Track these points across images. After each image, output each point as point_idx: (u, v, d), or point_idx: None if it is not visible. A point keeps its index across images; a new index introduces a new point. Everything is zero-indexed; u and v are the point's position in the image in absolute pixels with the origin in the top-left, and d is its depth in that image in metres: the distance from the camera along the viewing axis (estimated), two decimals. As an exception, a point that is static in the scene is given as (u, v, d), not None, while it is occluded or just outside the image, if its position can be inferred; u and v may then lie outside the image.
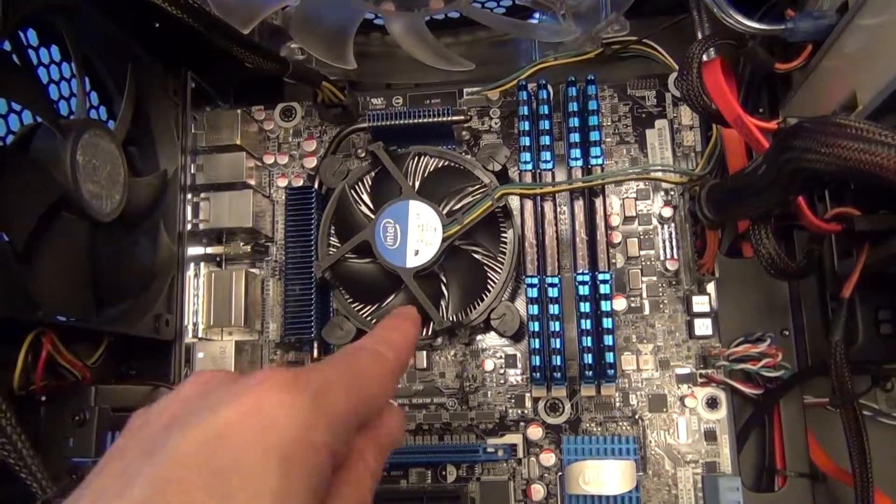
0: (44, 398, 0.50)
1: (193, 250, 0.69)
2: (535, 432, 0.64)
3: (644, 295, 0.66)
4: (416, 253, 0.61)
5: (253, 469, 0.24)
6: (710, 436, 0.63)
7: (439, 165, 0.66)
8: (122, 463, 0.26)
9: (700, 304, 0.64)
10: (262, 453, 0.24)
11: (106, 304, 0.55)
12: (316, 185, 0.68)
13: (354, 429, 0.29)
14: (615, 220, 0.67)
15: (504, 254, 0.64)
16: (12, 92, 0.47)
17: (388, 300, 0.64)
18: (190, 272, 0.69)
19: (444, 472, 0.65)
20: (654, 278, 0.66)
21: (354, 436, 0.30)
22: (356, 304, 0.65)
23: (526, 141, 0.63)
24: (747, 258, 0.64)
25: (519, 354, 0.66)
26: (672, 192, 0.67)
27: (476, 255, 0.64)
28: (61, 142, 0.49)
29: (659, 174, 0.65)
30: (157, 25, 0.66)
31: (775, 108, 0.65)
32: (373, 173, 0.67)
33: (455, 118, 0.66)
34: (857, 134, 0.36)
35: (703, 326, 0.64)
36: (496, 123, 0.71)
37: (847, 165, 0.37)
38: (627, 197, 0.67)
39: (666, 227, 0.67)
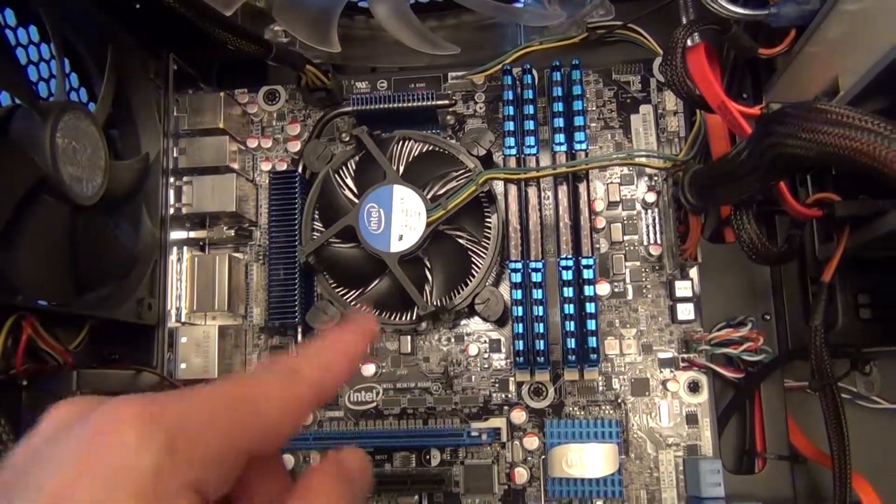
0: (25, 382, 0.49)
1: (176, 234, 0.69)
2: (519, 416, 0.64)
3: (627, 280, 0.66)
4: (401, 238, 0.61)
5: None
6: (692, 419, 0.63)
7: (424, 150, 0.66)
8: None
9: (683, 288, 0.64)
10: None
11: (87, 288, 0.54)
12: (300, 170, 0.68)
13: (242, 464, 0.26)
14: (599, 206, 0.67)
15: (488, 239, 0.64)
16: (-12, 73, 0.47)
17: (371, 285, 0.64)
18: (173, 256, 0.68)
19: (428, 456, 0.65)
20: (638, 263, 0.66)
21: (253, 475, 0.28)
22: (340, 288, 0.65)
23: (510, 126, 0.63)
24: (729, 243, 0.65)
25: (503, 339, 0.67)
26: (656, 178, 0.67)
27: (460, 240, 0.64)
28: (40, 124, 0.48)
29: (643, 159, 0.65)
30: (138, 6, 0.65)
31: (759, 93, 0.66)
32: (357, 157, 0.67)
33: (440, 102, 0.65)
34: (838, 119, 0.36)
35: (686, 311, 0.64)
36: (481, 108, 0.71)
37: (828, 151, 0.37)
38: (611, 182, 0.68)
39: (649, 212, 0.67)
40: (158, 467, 0.23)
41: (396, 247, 0.61)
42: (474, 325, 0.67)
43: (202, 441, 0.24)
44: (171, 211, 0.67)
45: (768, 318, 0.65)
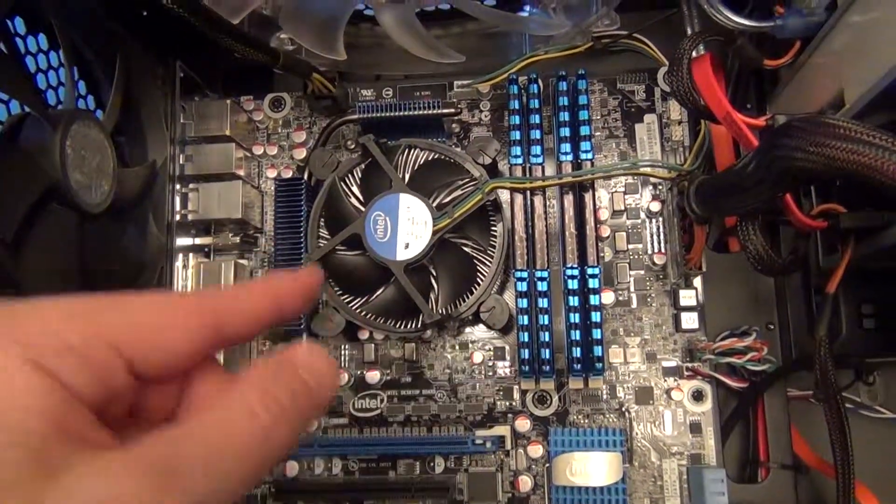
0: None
1: (182, 241, 0.69)
2: (523, 424, 0.65)
3: (632, 288, 0.66)
4: (407, 246, 0.61)
5: None
6: (696, 428, 0.64)
7: (429, 158, 0.66)
8: None
9: (687, 297, 0.65)
10: None
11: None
12: (305, 177, 0.68)
13: (113, 363, 0.25)
14: (604, 214, 0.67)
15: (494, 247, 0.64)
16: (0, 82, 0.47)
17: (377, 293, 0.64)
18: (178, 263, 0.68)
19: (432, 464, 0.65)
20: (642, 272, 0.67)
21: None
22: (346, 296, 0.65)
23: (516, 135, 0.63)
24: (733, 253, 0.65)
25: (507, 347, 0.67)
26: (660, 187, 0.67)
27: (466, 249, 0.64)
28: (50, 132, 0.49)
29: (648, 169, 0.65)
30: (145, 14, 0.65)
31: (763, 104, 0.66)
32: (362, 165, 0.67)
33: (445, 111, 0.66)
34: (846, 134, 0.36)
35: (690, 320, 0.64)
36: (486, 116, 0.71)
37: (835, 165, 0.37)
38: (616, 191, 0.68)
39: (654, 221, 0.67)
40: None
41: (403, 255, 0.61)
42: (479, 333, 0.68)
43: (50, 325, 0.24)
44: (178, 217, 0.67)
45: (772, 327, 0.66)
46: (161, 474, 0.23)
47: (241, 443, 0.25)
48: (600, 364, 0.59)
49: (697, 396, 0.64)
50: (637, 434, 0.64)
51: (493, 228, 0.65)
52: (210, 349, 0.29)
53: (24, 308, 0.24)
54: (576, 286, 0.60)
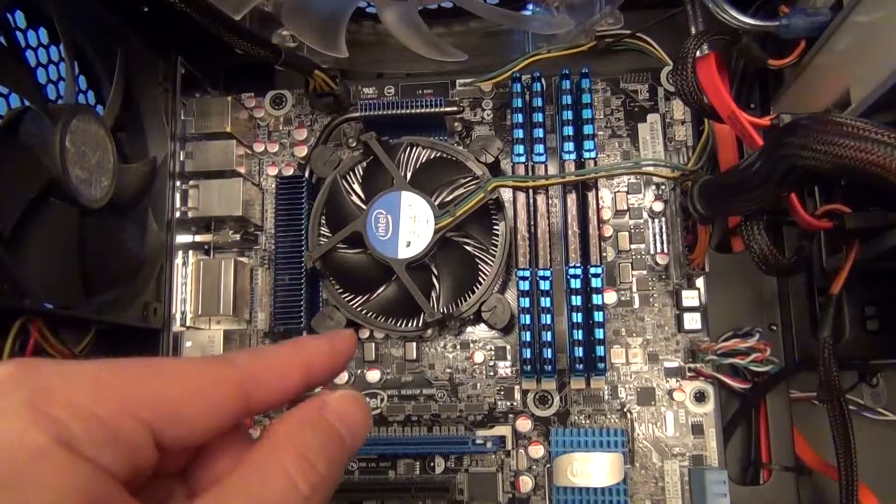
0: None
1: (182, 238, 0.68)
2: (524, 424, 0.64)
3: (634, 289, 0.66)
4: (408, 244, 0.61)
5: None
6: (698, 429, 0.63)
7: (431, 156, 0.66)
8: None
9: (689, 298, 0.64)
10: None
11: (94, 291, 0.54)
12: (306, 175, 0.68)
13: (146, 443, 0.24)
14: (606, 214, 0.67)
15: (495, 246, 0.64)
16: (0, 75, 0.46)
17: (378, 291, 0.64)
18: (178, 260, 0.68)
19: (432, 464, 0.65)
20: (644, 272, 0.66)
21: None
22: (346, 294, 0.64)
23: (519, 133, 0.63)
24: (736, 253, 0.65)
25: (508, 347, 0.66)
26: (663, 187, 0.67)
27: (467, 248, 0.64)
28: (50, 127, 0.48)
29: (651, 168, 0.65)
30: (146, 9, 0.65)
31: (766, 103, 0.66)
32: (364, 163, 0.66)
33: (448, 109, 0.65)
34: (854, 132, 0.36)
35: (693, 320, 0.64)
36: (488, 115, 0.71)
37: (843, 163, 0.37)
38: (619, 191, 0.67)
39: (657, 221, 0.67)
40: (18, 423, 0.21)
41: (404, 253, 0.61)
42: (480, 332, 0.67)
43: (78, 396, 0.23)
44: (177, 214, 0.67)
45: (775, 328, 0.65)
46: None
47: None
48: (603, 364, 0.59)
49: (699, 397, 0.63)
50: (639, 435, 0.64)
51: (495, 227, 0.64)
52: (237, 420, 0.28)
53: (52, 375, 0.23)
54: (578, 285, 0.60)
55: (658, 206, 0.66)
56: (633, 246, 0.67)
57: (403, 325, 0.64)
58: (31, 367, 0.23)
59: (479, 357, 0.66)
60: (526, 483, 0.63)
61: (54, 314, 0.51)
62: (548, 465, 0.63)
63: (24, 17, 0.54)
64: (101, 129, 0.54)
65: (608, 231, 0.66)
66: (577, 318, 0.59)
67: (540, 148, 0.63)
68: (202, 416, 0.26)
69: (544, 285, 0.60)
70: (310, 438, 0.26)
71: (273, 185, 0.71)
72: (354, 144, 0.70)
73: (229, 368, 0.27)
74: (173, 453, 0.27)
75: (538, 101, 0.64)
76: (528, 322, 0.60)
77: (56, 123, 0.49)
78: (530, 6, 0.71)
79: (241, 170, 0.69)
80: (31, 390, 0.22)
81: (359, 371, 0.68)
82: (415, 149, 0.66)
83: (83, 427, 0.23)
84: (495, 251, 0.64)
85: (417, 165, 0.66)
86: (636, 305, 0.66)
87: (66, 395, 0.23)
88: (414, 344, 0.67)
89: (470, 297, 0.63)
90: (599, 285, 0.59)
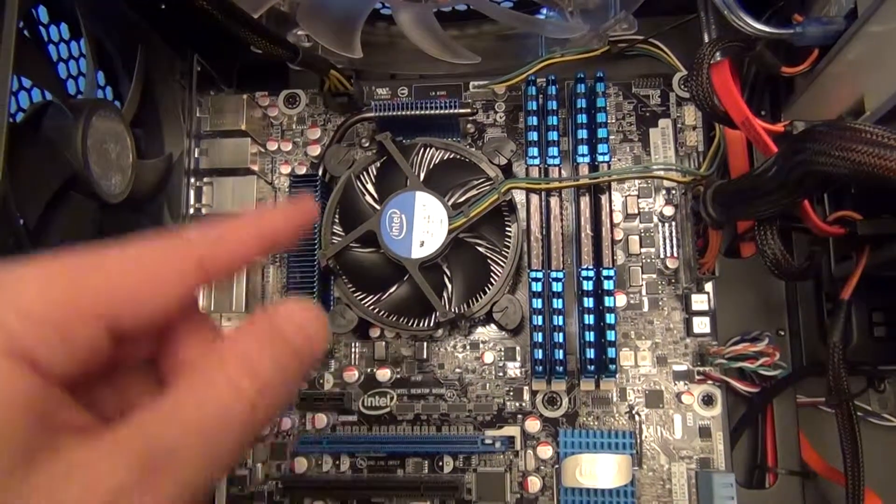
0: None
1: (195, 235, 0.69)
2: (533, 425, 0.65)
3: (643, 292, 0.67)
4: (422, 244, 0.61)
5: None
6: (705, 432, 0.64)
7: (445, 157, 0.66)
8: None
9: (699, 302, 0.65)
10: None
11: (111, 286, 0.54)
12: (320, 173, 0.68)
13: (95, 331, 0.23)
14: (617, 218, 0.67)
15: (508, 247, 0.64)
16: (25, 69, 0.47)
17: (390, 290, 0.64)
18: (191, 257, 0.68)
19: (440, 463, 0.65)
20: (654, 276, 0.67)
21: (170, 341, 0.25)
22: (358, 293, 0.65)
23: (533, 136, 0.64)
24: (745, 258, 0.65)
25: (518, 348, 0.67)
26: (674, 191, 0.68)
27: (480, 248, 0.65)
28: (72, 121, 0.49)
29: (665, 172, 0.65)
30: (163, 7, 0.65)
31: (777, 110, 0.66)
32: (378, 163, 0.67)
33: (462, 111, 0.66)
34: (873, 139, 0.37)
35: (702, 324, 0.65)
36: (501, 117, 0.71)
37: (860, 170, 0.37)
38: (630, 195, 0.68)
39: (667, 225, 0.67)
40: None
41: (418, 253, 0.61)
42: (490, 333, 0.68)
43: (27, 303, 0.22)
44: (191, 211, 0.67)
45: (783, 333, 0.66)
46: (148, 459, 0.22)
47: (227, 421, 0.24)
48: (613, 366, 0.59)
49: (707, 401, 0.64)
50: (647, 437, 0.64)
51: (508, 229, 0.65)
52: (195, 288, 0.27)
53: (3, 279, 0.23)
54: (591, 287, 0.60)
55: (669, 211, 0.67)
56: (643, 249, 0.67)
57: (415, 325, 0.64)
58: None
59: (488, 357, 0.67)
60: (534, 483, 0.64)
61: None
62: (556, 466, 0.64)
63: (47, 12, 0.54)
64: (121, 125, 0.54)
65: (619, 234, 0.67)
66: (589, 319, 0.60)
67: (554, 151, 0.63)
68: (160, 298, 0.25)
69: (557, 287, 0.61)
70: (253, 342, 0.25)
71: (286, 184, 0.71)
72: (367, 144, 0.71)
73: (184, 244, 0.26)
74: (134, 340, 0.26)
75: (553, 104, 0.65)
76: (539, 323, 0.60)
77: (78, 118, 0.49)
78: (544, 10, 0.71)
79: (255, 168, 0.69)
80: None
81: (368, 370, 0.68)
82: (429, 150, 0.66)
83: (32, 331, 0.22)
84: (507, 252, 0.64)
85: (431, 166, 0.66)
86: (645, 309, 0.66)
87: (17, 300, 0.22)
88: (424, 343, 0.68)
89: (481, 297, 0.64)
90: (611, 287, 0.60)
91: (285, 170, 0.72)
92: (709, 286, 0.66)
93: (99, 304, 0.23)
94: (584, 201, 0.62)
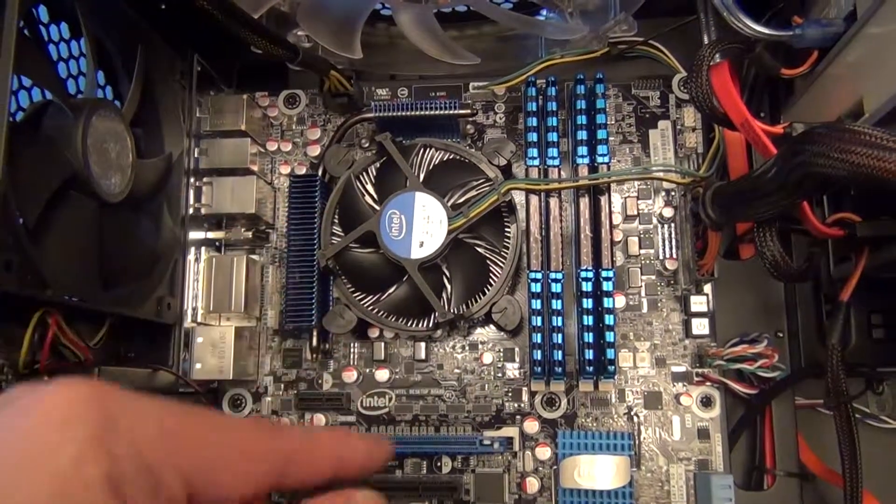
0: (46, 378, 0.49)
1: (194, 234, 0.69)
2: (532, 426, 0.65)
3: (642, 293, 0.67)
4: (421, 245, 0.62)
5: (19, 496, 0.21)
6: (704, 434, 0.64)
7: (445, 158, 0.66)
8: None
9: (698, 303, 0.65)
10: (30, 483, 0.21)
11: (111, 285, 0.54)
12: (319, 174, 0.68)
13: (177, 490, 0.24)
14: (616, 219, 0.67)
15: (507, 248, 0.64)
16: (25, 68, 0.47)
17: (390, 290, 0.64)
18: (190, 256, 0.68)
19: (439, 464, 0.65)
20: (653, 277, 0.67)
21: None
22: (358, 293, 0.65)
23: (533, 137, 0.64)
24: (744, 260, 0.65)
25: (517, 349, 0.67)
26: (673, 193, 0.68)
27: (479, 249, 0.65)
28: (72, 120, 0.49)
29: (664, 174, 0.66)
30: (163, 7, 0.65)
31: (776, 112, 0.66)
32: (377, 164, 0.67)
33: (462, 112, 0.66)
34: (872, 141, 0.37)
35: (701, 326, 0.65)
36: (500, 118, 0.71)
37: (860, 172, 0.37)
38: (629, 196, 0.68)
39: (666, 226, 0.67)
40: (82, 453, 0.22)
41: (417, 253, 0.61)
42: (488, 333, 0.68)
43: (141, 439, 0.23)
44: (190, 211, 0.67)
45: (781, 335, 0.66)
46: None
47: None
48: (613, 367, 0.59)
49: (706, 402, 0.64)
50: (645, 438, 0.64)
51: (507, 229, 0.65)
52: (268, 492, 0.28)
53: (123, 410, 0.24)
54: (590, 288, 0.60)
55: (668, 212, 0.67)
56: (642, 251, 0.67)
57: (414, 325, 0.64)
58: (105, 395, 0.24)
59: (487, 358, 0.67)
60: (532, 484, 0.64)
61: (70, 306, 0.51)
62: (554, 467, 0.64)
63: (47, 12, 0.54)
64: (121, 124, 0.54)
65: (618, 236, 0.67)
66: (588, 321, 0.60)
67: (553, 152, 0.63)
68: (239, 482, 0.27)
69: (556, 288, 0.61)
70: None
71: (285, 184, 0.71)
72: (367, 145, 0.71)
73: (280, 440, 0.28)
74: None
75: (553, 105, 0.65)
76: (539, 324, 0.60)
77: (78, 117, 0.49)
78: (544, 11, 0.72)
79: (255, 168, 0.69)
80: (100, 421, 0.23)
81: (367, 370, 0.68)
82: (428, 150, 0.67)
83: (134, 471, 0.23)
84: (507, 253, 0.64)
85: (431, 167, 0.66)
86: (644, 310, 0.66)
87: (134, 436, 0.23)
88: (423, 344, 0.68)
89: (480, 298, 0.64)
90: (610, 288, 0.60)
91: (285, 170, 0.72)
92: (708, 287, 0.66)
93: (190, 467, 0.25)
94: (584, 202, 0.62)
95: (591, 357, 0.59)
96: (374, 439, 0.33)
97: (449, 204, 0.63)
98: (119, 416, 0.24)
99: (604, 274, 0.60)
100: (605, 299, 0.60)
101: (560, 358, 0.60)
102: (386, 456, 0.33)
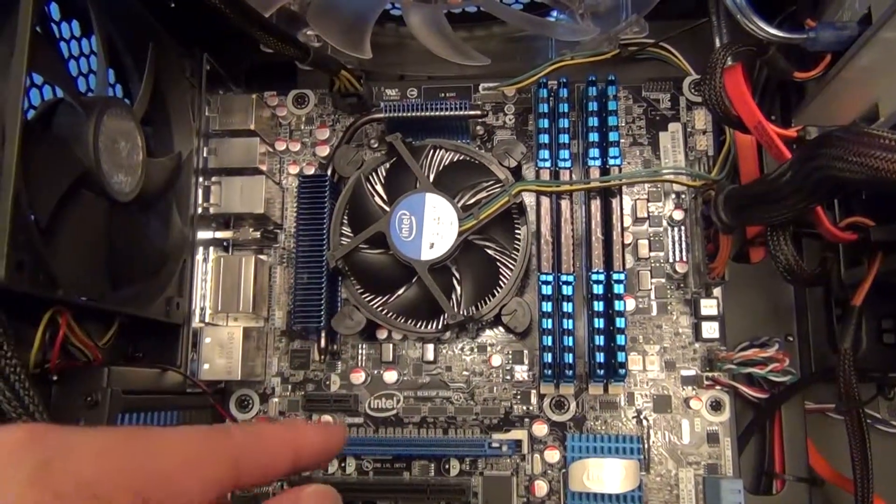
0: (55, 378, 0.49)
1: (202, 234, 0.69)
2: (540, 429, 0.64)
3: (652, 296, 0.66)
4: (431, 246, 0.61)
5: None
6: (713, 438, 0.64)
7: (455, 159, 0.66)
8: None
9: (708, 307, 0.65)
10: None
11: (120, 284, 0.54)
12: (329, 174, 0.68)
13: None
14: (626, 221, 0.67)
15: (517, 250, 0.64)
16: (37, 66, 0.46)
17: (399, 292, 0.64)
18: (199, 256, 0.68)
19: (447, 466, 0.65)
20: (663, 280, 0.67)
21: None
22: (367, 294, 0.65)
23: (544, 138, 0.63)
24: (754, 263, 0.65)
25: (526, 351, 0.67)
26: (683, 196, 0.67)
27: (489, 251, 0.64)
28: (84, 118, 0.49)
29: (675, 176, 0.65)
30: (173, 6, 0.65)
31: (787, 115, 0.66)
32: (387, 164, 0.67)
33: (472, 112, 0.66)
34: (891, 145, 0.37)
35: (711, 329, 0.64)
36: (510, 120, 0.71)
37: (878, 176, 0.37)
38: (639, 198, 0.68)
39: (676, 229, 0.67)
40: (20, 498, 0.22)
41: (427, 254, 0.61)
42: (497, 335, 0.67)
43: (81, 471, 0.23)
44: (199, 210, 0.67)
45: (791, 339, 0.66)
46: None
47: None
48: (623, 370, 0.59)
49: (715, 406, 0.64)
50: (654, 442, 0.64)
51: (518, 231, 0.65)
52: (227, 492, 0.28)
53: (60, 447, 0.24)
54: (601, 291, 0.60)
55: (678, 215, 0.67)
56: (652, 254, 0.67)
57: (423, 327, 0.64)
58: (41, 435, 0.24)
59: (496, 360, 0.66)
60: (541, 487, 0.64)
61: (80, 306, 0.51)
62: (563, 471, 0.63)
63: (59, 9, 0.54)
64: (132, 123, 0.54)
65: (628, 238, 0.67)
66: (599, 323, 0.60)
67: (565, 153, 0.63)
68: (195, 489, 0.26)
69: (567, 290, 0.60)
70: None
71: (293, 184, 0.71)
72: (377, 145, 0.71)
73: (226, 440, 0.28)
74: None
75: (564, 107, 0.64)
76: (549, 326, 0.60)
77: (90, 116, 0.49)
78: (555, 12, 0.71)
79: (263, 167, 0.69)
80: (38, 461, 0.23)
81: (375, 371, 0.68)
82: (438, 151, 0.66)
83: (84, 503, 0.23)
84: (517, 255, 0.64)
85: (441, 168, 0.66)
86: (654, 313, 0.66)
87: (71, 470, 0.23)
88: (431, 346, 0.67)
89: (490, 300, 0.63)
90: (621, 291, 0.60)
91: (294, 170, 0.72)
92: (717, 291, 0.65)
93: (140, 485, 0.25)
94: (595, 204, 0.62)
95: (601, 360, 0.59)
96: (326, 425, 0.33)
97: (459, 205, 0.63)
98: (55, 454, 0.24)
99: (615, 276, 0.60)
100: (616, 302, 0.59)
101: (571, 361, 0.60)
102: (342, 440, 0.32)
